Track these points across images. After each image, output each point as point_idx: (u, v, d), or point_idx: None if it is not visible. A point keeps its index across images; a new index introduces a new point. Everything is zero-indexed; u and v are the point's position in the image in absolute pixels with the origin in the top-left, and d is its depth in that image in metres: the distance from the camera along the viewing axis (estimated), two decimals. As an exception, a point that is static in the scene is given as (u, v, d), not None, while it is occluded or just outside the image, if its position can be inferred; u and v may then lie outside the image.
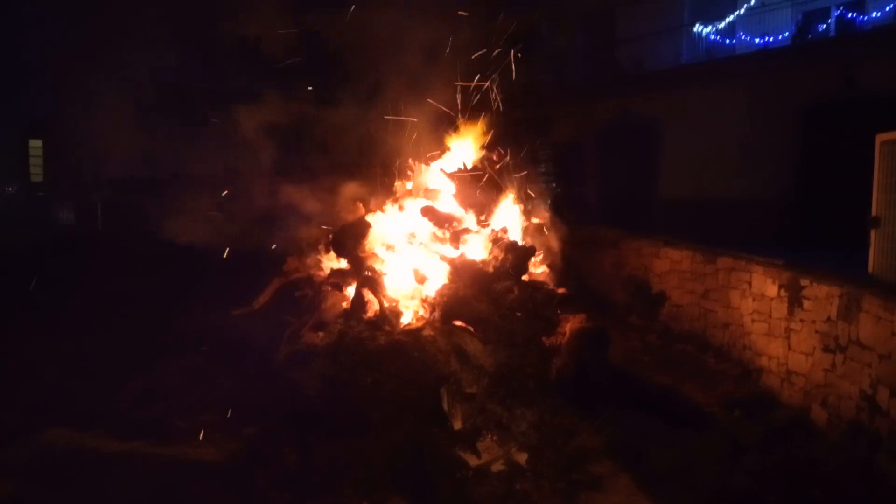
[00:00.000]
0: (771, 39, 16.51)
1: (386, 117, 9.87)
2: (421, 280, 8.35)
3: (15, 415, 6.39)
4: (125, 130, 11.91)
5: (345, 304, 8.24)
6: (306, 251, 9.50)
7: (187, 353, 8.09)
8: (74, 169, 22.50)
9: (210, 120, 11.04)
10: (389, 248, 8.87)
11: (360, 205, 9.48)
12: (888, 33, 13.62)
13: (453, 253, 8.67)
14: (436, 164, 9.88)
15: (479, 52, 10.28)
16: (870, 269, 7.03)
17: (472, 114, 10.07)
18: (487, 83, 10.07)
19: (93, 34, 12.45)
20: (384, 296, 8.09)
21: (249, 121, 10.04)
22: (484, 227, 9.09)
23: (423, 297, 8.21)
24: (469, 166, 9.61)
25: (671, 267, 10.09)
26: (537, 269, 9.69)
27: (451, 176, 9.51)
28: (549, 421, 6.59)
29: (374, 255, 8.67)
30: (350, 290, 8.42)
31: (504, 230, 9.08)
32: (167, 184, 13.05)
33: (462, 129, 10.04)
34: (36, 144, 26.31)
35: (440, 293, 7.98)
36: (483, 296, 7.93)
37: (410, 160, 9.84)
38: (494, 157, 9.81)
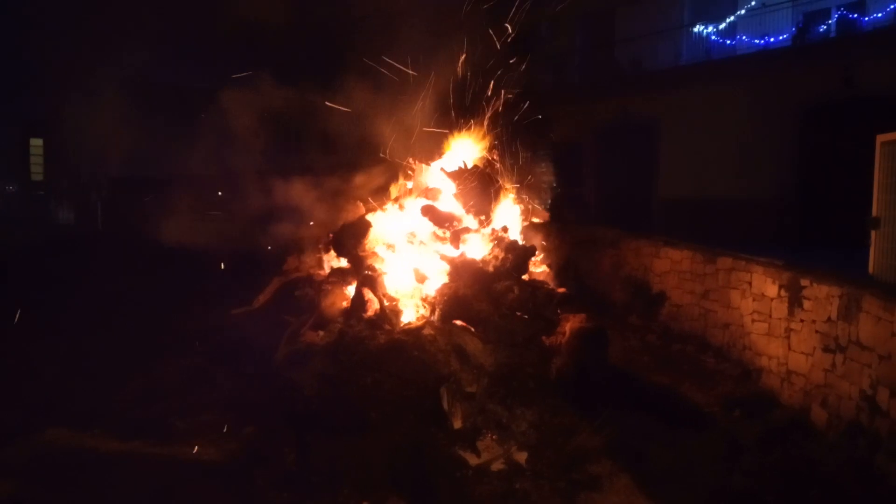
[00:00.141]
0: (771, 40, 16.52)
1: (385, 118, 9.87)
2: (421, 279, 8.35)
3: (15, 415, 6.40)
4: (125, 130, 11.91)
5: (345, 304, 8.25)
6: (306, 250, 9.51)
7: (187, 353, 8.10)
8: (74, 168, 22.52)
9: (202, 114, 10.93)
10: (390, 247, 8.87)
11: (360, 204, 9.49)
12: (888, 34, 13.64)
13: (453, 252, 8.67)
14: (436, 164, 9.89)
15: (479, 53, 10.28)
16: (870, 269, 7.03)
17: (471, 114, 10.07)
18: (489, 83, 10.07)
19: (92, 34, 12.45)
20: (384, 295, 8.10)
21: (247, 113, 9.99)
22: (484, 226, 9.09)
23: (424, 297, 8.21)
24: (469, 166, 9.61)
25: (671, 267, 10.08)
26: (537, 268, 9.70)
27: (451, 175, 9.51)
28: (549, 420, 6.59)
29: (375, 254, 8.68)
30: (350, 290, 8.43)
31: (504, 229, 9.08)
32: (167, 183, 13.04)
33: (462, 129, 10.05)
34: (37, 143, 26.33)
35: (440, 292, 7.98)
36: (483, 295, 7.94)
37: (411, 159, 9.84)
38: (495, 157, 9.81)
